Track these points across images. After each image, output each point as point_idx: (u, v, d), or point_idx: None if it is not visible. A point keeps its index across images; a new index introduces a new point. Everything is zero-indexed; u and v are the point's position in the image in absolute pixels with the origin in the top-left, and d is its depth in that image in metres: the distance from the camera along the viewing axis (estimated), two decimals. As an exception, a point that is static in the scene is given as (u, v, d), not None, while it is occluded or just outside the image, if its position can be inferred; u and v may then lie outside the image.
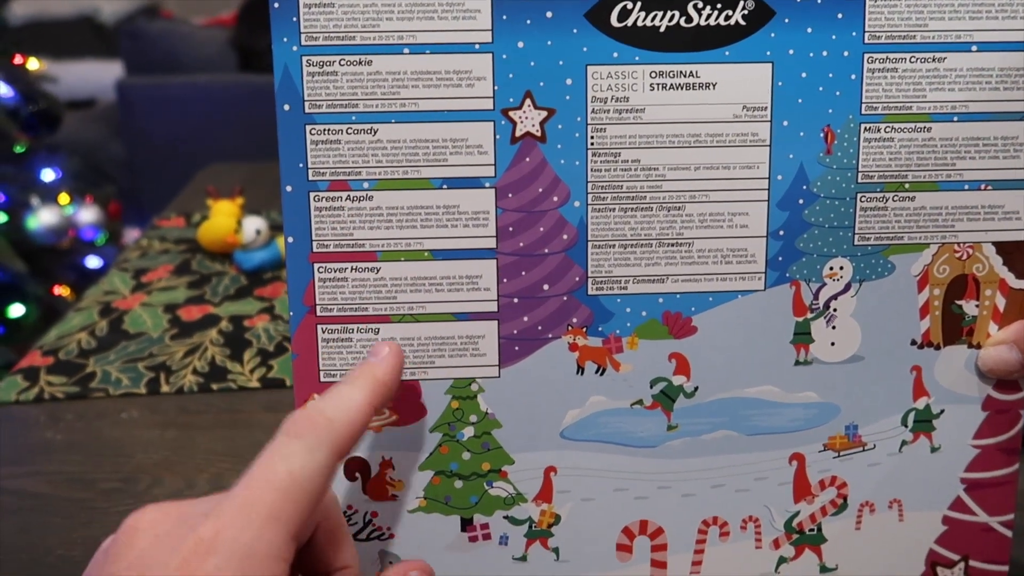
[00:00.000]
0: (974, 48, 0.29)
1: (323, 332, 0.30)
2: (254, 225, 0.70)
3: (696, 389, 0.31)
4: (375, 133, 0.29)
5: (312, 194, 0.30)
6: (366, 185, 0.30)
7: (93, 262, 1.52)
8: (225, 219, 0.71)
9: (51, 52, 2.62)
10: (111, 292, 0.67)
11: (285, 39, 0.29)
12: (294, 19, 0.29)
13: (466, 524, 0.31)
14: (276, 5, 0.29)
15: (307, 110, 0.29)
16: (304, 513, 0.23)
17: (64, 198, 1.50)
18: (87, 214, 1.50)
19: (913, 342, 0.31)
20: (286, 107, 0.29)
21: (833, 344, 0.31)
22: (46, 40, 2.83)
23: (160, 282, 0.69)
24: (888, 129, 0.30)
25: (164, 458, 0.45)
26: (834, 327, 0.31)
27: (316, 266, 0.30)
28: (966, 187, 0.30)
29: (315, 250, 0.30)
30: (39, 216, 1.40)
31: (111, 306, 0.64)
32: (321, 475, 0.24)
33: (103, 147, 2.25)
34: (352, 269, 0.30)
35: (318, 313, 0.30)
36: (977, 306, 0.31)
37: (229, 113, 1.91)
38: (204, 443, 0.46)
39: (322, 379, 0.31)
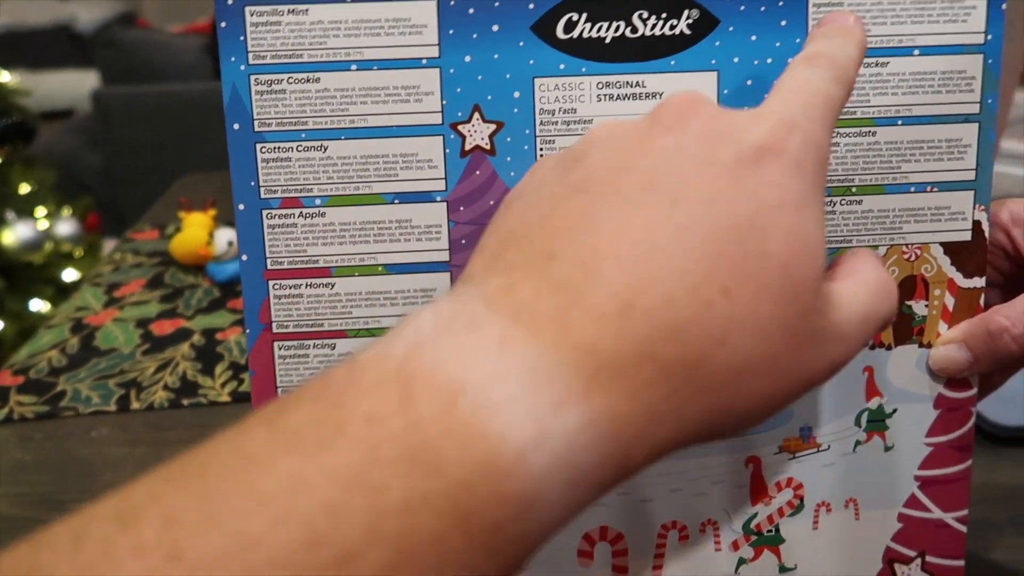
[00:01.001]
0: (916, 52, 0.30)
1: (279, 349, 0.30)
2: (226, 237, 0.70)
3: (652, 395, 0.31)
4: (325, 150, 0.29)
5: (264, 212, 0.30)
6: (318, 202, 0.30)
7: (71, 275, 1.51)
8: (197, 231, 0.71)
9: (28, 62, 2.60)
10: (83, 308, 0.67)
11: (232, 58, 0.29)
12: (241, 38, 0.29)
13: (428, 535, 0.32)
14: (223, 25, 0.29)
15: (257, 128, 0.29)
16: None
17: (40, 211, 1.50)
18: (64, 226, 1.49)
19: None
20: (236, 126, 0.29)
21: (786, 347, 0.31)
22: (23, 50, 2.81)
23: (132, 296, 0.68)
24: (834, 134, 0.30)
25: (133, 476, 0.44)
26: (786, 330, 0.31)
27: (271, 283, 0.30)
28: (912, 189, 0.31)
29: (269, 267, 0.30)
30: (15, 230, 1.40)
31: (83, 322, 0.64)
32: (840, 109, 0.23)
33: (81, 157, 2.23)
34: (307, 285, 0.30)
35: (274, 330, 0.30)
36: (927, 306, 0.31)
37: (207, 120, 1.91)
38: (174, 459, 0.46)
39: (280, 396, 0.31)
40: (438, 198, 0.30)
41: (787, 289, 0.19)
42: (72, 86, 2.78)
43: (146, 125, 1.97)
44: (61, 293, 1.46)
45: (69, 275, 1.51)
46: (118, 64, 2.06)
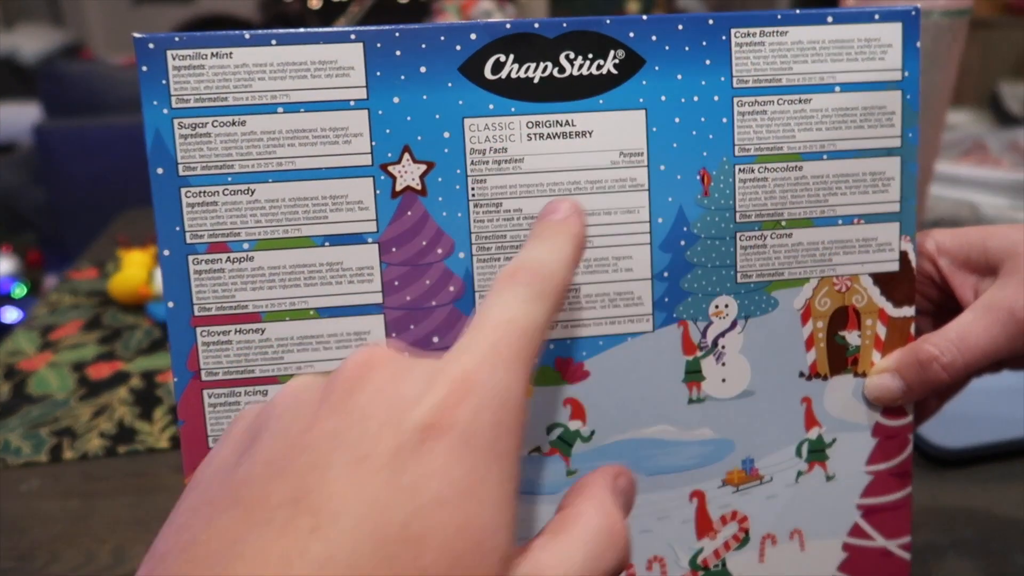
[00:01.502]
0: (837, 89, 0.30)
1: (209, 397, 0.30)
2: (167, 275, 0.68)
3: (593, 433, 0.31)
4: (252, 193, 0.29)
5: (191, 257, 0.29)
6: (246, 246, 0.29)
7: (11, 315, 1.46)
8: (136, 270, 0.69)
9: (-34, 97, 2.53)
10: (16, 353, 0.64)
11: (155, 102, 0.28)
12: (163, 82, 0.28)
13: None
14: (144, 68, 0.28)
15: (181, 173, 0.29)
16: (534, 363, 0.21)
17: (-21, 249, 1.45)
18: (3, 265, 1.44)
19: (801, 374, 0.32)
20: (159, 171, 0.29)
21: (724, 380, 0.31)
22: (-39, 84, 2.74)
23: (69, 339, 0.66)
24: (761, 169, 0.30)
25: (63, 531, 0.43)
26: (724, 364, 0.31)
27: (199, 330, 0.29)
28: (840, 222, 0.31)
29: (196, 314, 0.29)
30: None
31: (15, 368, 0.62)
32: (546, 326, 0.21)
33: (22, 193, 2.17)
34: (236, 331, 0.29)
35: (203, 378, 0.29)
36: (859, 336, 0.32)
37: (154, 154, 1.87)
38: (107, 512, 0.44)
39: (210, 445, 0.30)
40: (369, 240, 0.29)
41: None
42: (13, 119, 2.71)
43: (91, 160, 1.93)
44: (1, 334, 1.41)
45: (9, 315, 1.46)
46: (62, 97, 2.01)
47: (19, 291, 1.53)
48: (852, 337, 0.32)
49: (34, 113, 2.25)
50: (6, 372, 0.61)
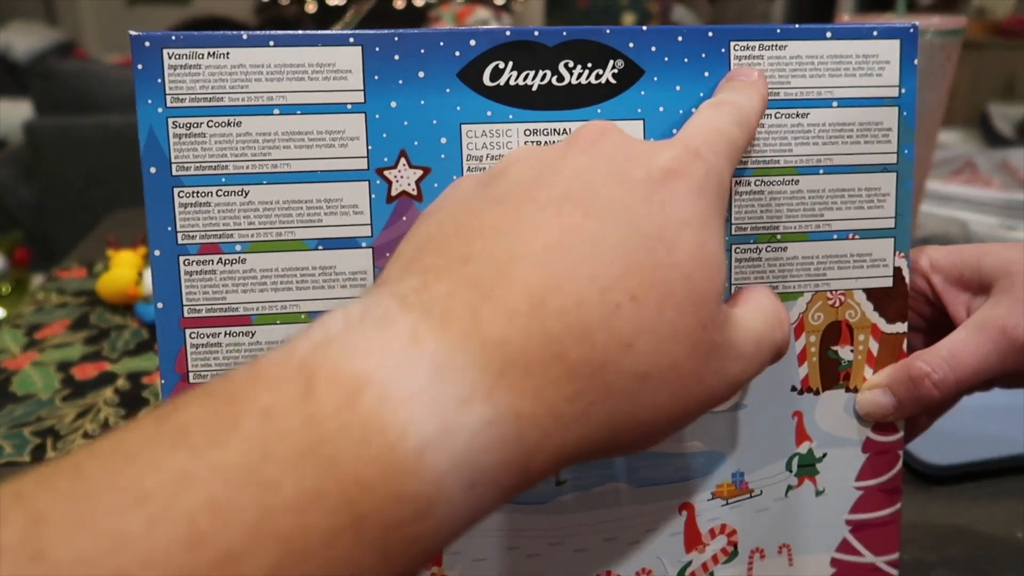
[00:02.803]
0: (835, 104, 0.30)
1: (197, 401, 0.29)
2: (156, 276, 0.67)
3: (584, 444, 0.31)
4: (246, 195, 0.29)
5: (182, 258, 0.29)
6: (238, 248, 0.29)
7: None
8: (125, 270, 0.68)
9: (-43, 92, 2.51)
10: (0, 351, 0.63)
11: (150, 100, 0.28)
12: (159, 80, 0.28)
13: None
14: (140, 67, 0.28)
15: (174, 172, 0.28)
16: (732, 173, 0.24)
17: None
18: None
19: (793, 388, 0.32)
20: (152, 170, 0.28)
21: (716, 393, 0.31)
22: (-49, 80, 2.72)
23: (55, 338, 0.65)
24: (758, 182, 0.30)
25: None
26: (716, 376, 0.31)
27: (188, 332, 0.29)
28: (835, 236, 0.31)
29: (186, 315, 0.29)
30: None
31: (-1, 366, 0.61)
32: (742, 150, 0.25)
33: (12, 190, 2.16)
34: (226, 334, 0.29)
35: (191, 380, 0.29)
36: (852, 351, 0.32)
37: (145, 154, 1.86)
38: (90, 513, 0.44)
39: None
40: (363, 244, 0.29)
41: (691, 299, 0.20)
42: (4, 116, 2.70)
43: (81, 158, 1.92)
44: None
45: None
46: (53, 95, 2.00)
47: (5, 289, 1.51)
48: (844, 352, 0.32)
49: (25, 110, 2.24)
50: (-10, 370, 0.60)
